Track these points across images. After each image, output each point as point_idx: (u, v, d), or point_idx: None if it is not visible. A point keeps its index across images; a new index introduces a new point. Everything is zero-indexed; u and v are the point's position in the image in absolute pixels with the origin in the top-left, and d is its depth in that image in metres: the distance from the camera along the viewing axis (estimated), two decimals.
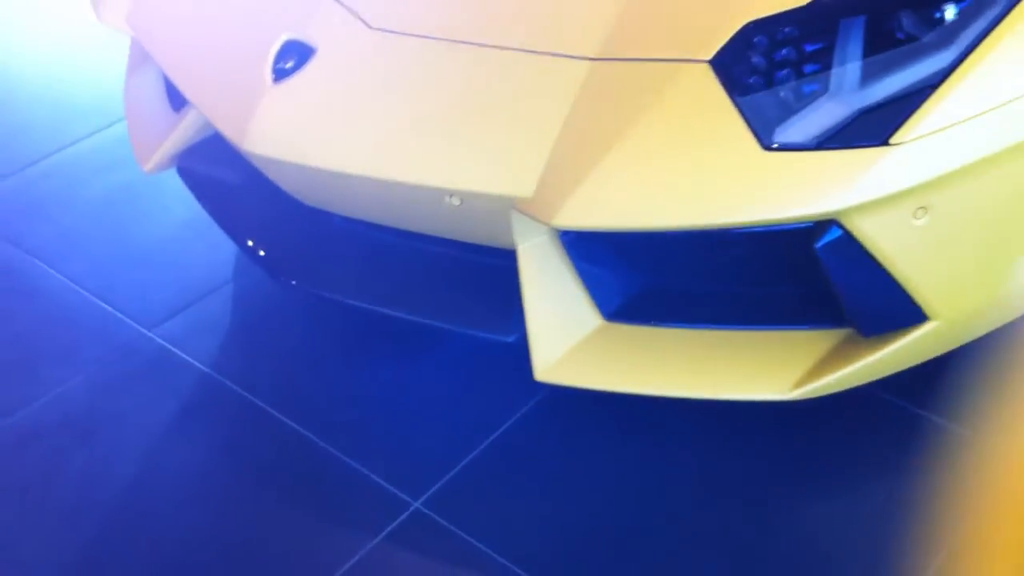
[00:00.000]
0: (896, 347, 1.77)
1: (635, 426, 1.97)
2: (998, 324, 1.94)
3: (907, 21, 1.66)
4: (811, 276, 1.72)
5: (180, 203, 2.48)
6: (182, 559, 1.78)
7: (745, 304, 1.84)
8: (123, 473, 1.93)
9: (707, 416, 1.95)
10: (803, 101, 1.64)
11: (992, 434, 1.89)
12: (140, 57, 2.42)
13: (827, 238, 1.64)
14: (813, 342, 1.81)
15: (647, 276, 1.86)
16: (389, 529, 1.82)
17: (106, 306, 2.27)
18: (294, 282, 2.02)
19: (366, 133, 1.80)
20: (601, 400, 1.87)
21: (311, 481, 1.91)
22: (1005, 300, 1.87)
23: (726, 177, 1.61)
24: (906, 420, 1.96)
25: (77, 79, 3.02)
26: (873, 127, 1.59)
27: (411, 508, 1.85)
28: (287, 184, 1.96)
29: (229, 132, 1.90)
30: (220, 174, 2.19)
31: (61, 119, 2.85)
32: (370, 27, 1.87)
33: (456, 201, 1.76)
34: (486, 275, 1.90)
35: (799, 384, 1.77)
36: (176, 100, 2.34)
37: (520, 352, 1.82)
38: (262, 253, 2.08)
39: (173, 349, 2.16)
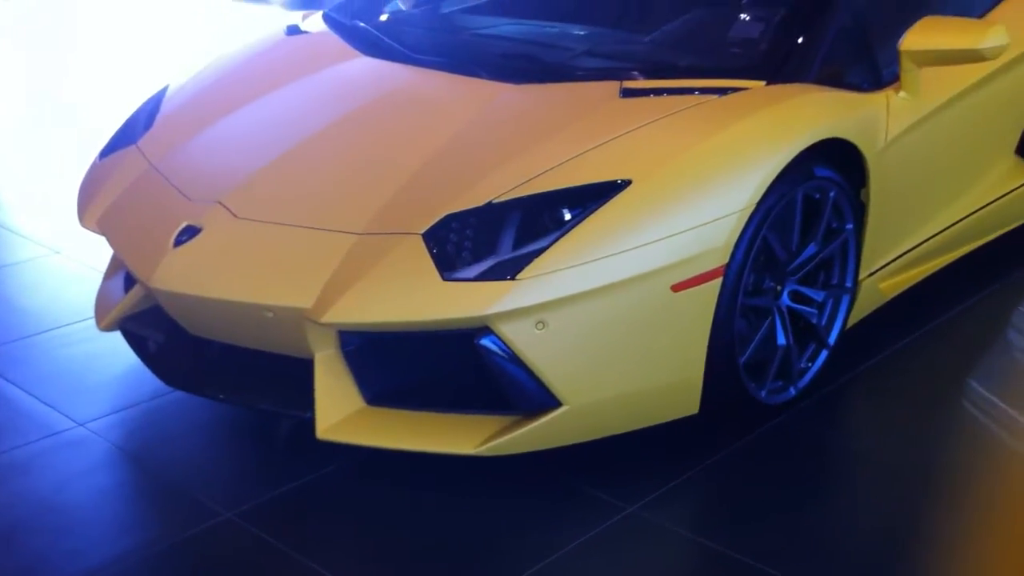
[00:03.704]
0: (541, 423, 2.77)
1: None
2: (641, 422, 2.93)
3: (542, 217, 2.77)
4: (491, 372, 2.74)
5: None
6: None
7: (453, 395, 2.85)
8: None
9: None
10: (475, 257, 2.72)
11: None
12: (112, 267, 3.61)
13: (485, 338, 2.69)
14: (497, 420, 2.82)
15: (391, 377, 2.88)
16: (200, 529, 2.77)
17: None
18: (182, 388, 3.09)
19: (221, 271, 2.90)
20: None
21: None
22: (636, 402, 2.86)
23: (420, 294, 2.70)
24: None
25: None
26: (509, 269, 2.68)
27: (223, 517, 2.80)
28: (175, 313, 3.03)
29: (143, 277, 3.00)
30: (143, 331, 3.31)
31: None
32: (236, 216, 3.01)
33: (270, 314, 2.82)
34: (292, 375, 2.93)
35: (480, 444, 2.76)
36: (128, 285, 3.46)
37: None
38: (166, 374, 3.15)
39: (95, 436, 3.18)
